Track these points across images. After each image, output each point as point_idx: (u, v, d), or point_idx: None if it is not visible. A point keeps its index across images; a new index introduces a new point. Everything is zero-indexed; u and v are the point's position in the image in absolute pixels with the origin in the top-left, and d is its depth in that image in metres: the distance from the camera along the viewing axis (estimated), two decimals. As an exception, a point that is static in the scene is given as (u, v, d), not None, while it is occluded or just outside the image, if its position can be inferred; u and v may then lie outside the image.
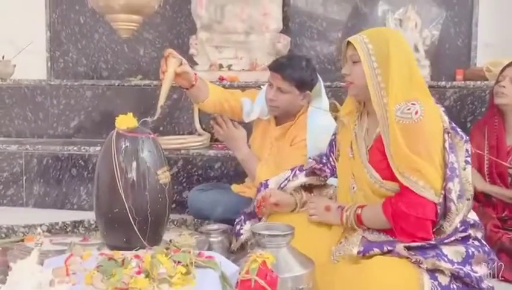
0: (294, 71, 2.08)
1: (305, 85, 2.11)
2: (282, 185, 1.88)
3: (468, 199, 1.57)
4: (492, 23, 3.28)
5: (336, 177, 1.87)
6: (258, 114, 2.20)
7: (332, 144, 1.89)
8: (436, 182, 1.52)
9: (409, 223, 1.52)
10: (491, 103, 2.17)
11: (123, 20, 2.15)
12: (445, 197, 1.53)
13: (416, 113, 1.52)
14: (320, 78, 2.18)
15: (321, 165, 1.87)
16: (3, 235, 2.09)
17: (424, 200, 1.50)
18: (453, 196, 1.53)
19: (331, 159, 1.87)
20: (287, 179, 1.89)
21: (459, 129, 1.63)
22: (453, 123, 1.65)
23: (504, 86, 2.06)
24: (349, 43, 1.65)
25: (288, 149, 2.13)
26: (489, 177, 2.08)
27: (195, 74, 2.09)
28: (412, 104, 1.54)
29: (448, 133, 1.58)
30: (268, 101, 2.12)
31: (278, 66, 2.11)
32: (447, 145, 1.56)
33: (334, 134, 1.89)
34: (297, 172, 1.89)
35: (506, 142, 2.09)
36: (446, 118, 1.62)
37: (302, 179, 1.87)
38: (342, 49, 1.71)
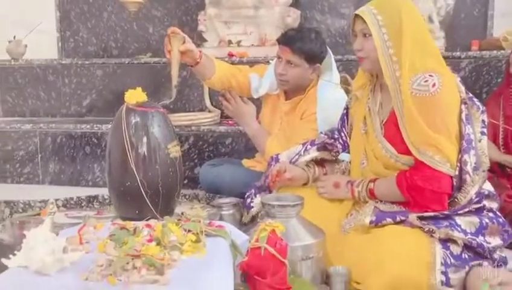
0: (304, 44, 2.06)
1: (315, 58, 2.09)
2: (293, 160, 1.89)
3: (483, 171, 1.57)
4: (508, -9, 3.21)
5: (348, 152, 1.87)
6: (267, 89, 2.20)
7: (343, 119, 1.88)
8: (452, 155, 1.51)
9: (424, 197, 1.53)
10: (507, 72, 2.14)
11: (130, -5, 2.16)
12: (460, 169, 1.53)
13: (434, 85, 1.51)
14: (330, 52, 2.17)
15: (332, 140, 1.86)
16: (20, 210, 2.15)
17: (440, 173, 1.50)
18: (469, 168, 1.53)
19: (342, 134, 1.87)
20: (298, 153, 1.90)
21: (475, 99, 1.62)
22: (470, 93, 1.64)
23: None
24: (357, 16, 1.62)
25: (298, 123, 2.13)
26: (505, 148, 2.08)
27: (200, 51, 2.09)
28: (430, 75, 1.53)
29: (465, 103, 1.57)
30: (278, 75, 2.11)
31: (287, 39, 2.09)
32: (463, 116, 1.55)
33: (346, 108, 1.88)
34: (309, 147, 1.89)
35: None
36: (463, 88, 1.60)
37: (313, 153, 1.86)
38: (351, 22, 1.67)
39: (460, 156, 1.52)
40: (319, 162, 1.89)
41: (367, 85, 1.73)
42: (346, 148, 1.86)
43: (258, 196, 1.93)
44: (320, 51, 2.10)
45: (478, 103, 1.61)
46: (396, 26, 1.55)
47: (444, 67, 1.60)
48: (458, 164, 1.52)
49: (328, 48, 2.16)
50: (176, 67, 1.97)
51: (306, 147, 1.89)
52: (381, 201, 1.63)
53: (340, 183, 1.73)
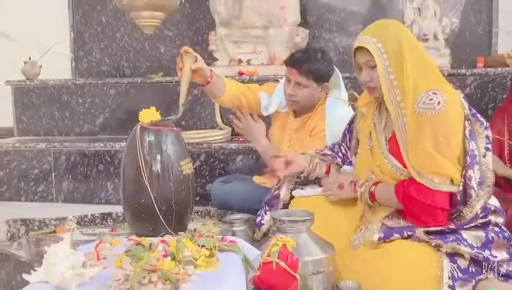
0: (311, 65, 2.08)
1: (322, 77, 2.11)
2: None
3: (488, 186, 1.57)
4: (512, 10, 3.24)
5: (348, 164, 1.89)
6: (277, 107, 2.23)
7: (345, 133, 1.91)
8: (454, 174, 1.52)
9: (417, 208, 1.54)
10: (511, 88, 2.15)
11: (146, 17, 2.20)
12: (465, 184, 1.54)
13: (439, 103, 1.51)
14: (337, 70, 2.19)
15: (333, 153, 1.90)
16: (36, 228, 2.17)
17: (436, 190, 1.52)
18: (473, 183, 1.54)
19: (342, 148, 1.90)
20: None
21: (479, 115, 1.63)
22: (473, 109, 1.65)
23: None
24: (358, 47, 1.62)
25: (308, 140, 2.15)
26: (510, 162, 2.07)
27: (211, 71, 2.11)
28: (434, 93, 1.53)
29: (468, 120, 1.58)
30: (288, 96, 2.14)
31: (294, 61, 2.11)
32: (467, 132, 1.56)
33: (349, 123, 1.90)
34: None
35: None
36: (466, 105, 1.61)
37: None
38: (352, 54, 1.67)
39: (464, 171, 1.54)
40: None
41: (373, 102, 1.75)
42: (345, 161, 1.89)
43: (268, 213, 1.95)
44: (327, 70, 2.12)
45: (482, 119, 1.62)
46: (396, 52, 1.57)
47: (446, 85, 1.62)
48: (462, 180, 1.53)
49: (335, 66, 2.19)
50: (185, 85, 1.99)
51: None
52: (388, 216, 1.63)
53: (343, 184, 1.74)
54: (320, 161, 1.90)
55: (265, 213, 1.96)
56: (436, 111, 1.52)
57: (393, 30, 1.63)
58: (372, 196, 1.65)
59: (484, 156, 1.59)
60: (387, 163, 1.64)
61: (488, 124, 1.62)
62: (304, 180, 1.93)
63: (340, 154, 1.90)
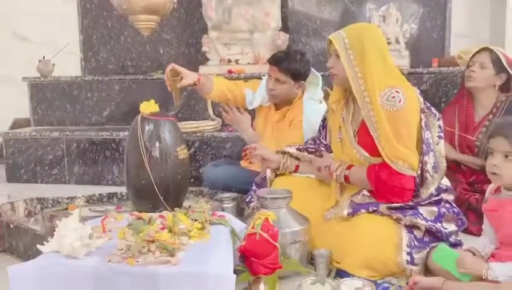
0: (290, 64, 2.08)
1: (299, 76, 2.11)
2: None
3: (441, 170, 1.59)
4: (463, 17, 3.25)
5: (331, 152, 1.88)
6: (260, 102, 2.22)
7: (320, 130, 1.88)
8: (415, 162, 1.54)
9: (387, 190, 1.56)
10: (462, 85, 2.14)
11: (143, 20, 2.18)
12: (422, 169, 1.55)
13: (400, 101, 1.52)
14: (316, 72, 2.18)
15: (316, 145, 1.86)
16: (50, 206, 2.15)
17: (404, 174, 1.53)
18: (429, 167, 1.56)
19: (322, 140, 1.86)
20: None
21: (432, 108, 1.64)
22: (427, 103, 1.66)
23: (473, 71, 2.02)
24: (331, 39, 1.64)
25: (287, 129, 2.15)
26: (460, 149, 2.07)
27: (199, 76, 2.15)
28: (396, 91, 1.54)
29: (424, 112, 1.59)
30: (268, 90, 2.14)
31: (275, 60, 2.13)
32: (423, 123, 1.57)
33: (323, 120, 1.88)
34: (290, 147, 1.88)
35: (475, 119, 2.07)
36: (421, 99, 1.63)
37: (291, 150, 1.86)
38: (326, 45, 1.70)
39: (421, 157, 1.55)
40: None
41: (341, 99, 1.74)
42: (328, 149, 1.88)
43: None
44: (304, 70, 2.11)
45: (435, 111, 1.63)
46: (360, 49, 1.57)
47: (405, 82, 1.62)
48: (420, 165, 1.55)
49: (313, 69, 2.18)
50: (176, 95, 2.12)
51: (289, 146, 1.89)
52: (355, 193, 1.64)
53: (321, 168, 1.73)
54: (292, 158, 1.86)
55: (254, 193, 1.95)
56: (397, 108, 1.52)
57: (362, 30, 1.65)
58: (346, 178, 1.65)
59: (437, 143, 1.61)
60: (355, 153, 1.64)
61: (440, 115, 1.64)
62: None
63: (322, 145, 1.86)
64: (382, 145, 1.54)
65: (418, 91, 1.65)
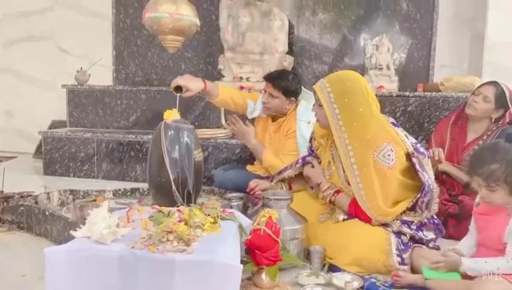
0: (282, 81, 2.10)
1: (290, 93, 2.11)
2: (281, 170, 1.87)
3: (433, 209, 1.54)
4: (446, 49, 3.24)
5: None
6: (259, 113, 2.23)
7: (309, 150, 1.81)
8: (384, 217, 1.49)
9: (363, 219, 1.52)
10: (462, 108, 2.02)
11: (170, 40, 2.19)
12: (415, 204, 1.51)
13: (393, 160, 1.46)
14: (306, 90, 2.16)
15: (313, 155, 1.79)
16: (80, 197, 2.16)
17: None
18: (423, 206, 1.52)
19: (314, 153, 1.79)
20: (290, 165, 1.85)
21: (419, 147, 1.54)
22: (412, 138, 1.56)
23: (476, 102, 1.91)
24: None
25: (283, 138, 2.15)
26: (449, 161, 1.98)
27: (205, 84, 2.14)
28: (391, 150, 1.45)
29: (413, 156, 1.50)
30: (262, 103, 2.16)
31: (269, 77, 2.15)
32: (418, 167, 1.49)
33: (310, 141, 1.78)
34: (297, 163, 1.82)
35: (466, 140, 1.98)
36: (408, 142, 1.53)
37: (295, 171, 1.81)
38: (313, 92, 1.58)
39: (419, 195, 1.48)
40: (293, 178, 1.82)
41: (330, 135, 1.59)
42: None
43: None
44: (294, 88, 2.11)
45: (422, 150, 1.54)
46: (345, 104, 1.46)
47: (394, 136, 1.50)
48: (414, 201, 1.49)
49: (305, 88, 2.17)
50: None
51: (297, 162, 1.83)
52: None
53: (311, 179, 1.66)
54: (283, 182, 1.82)
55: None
56: (390, 167, 1.46)
57: (349, 85, 1.49)
58: (331, 201, 1.62)
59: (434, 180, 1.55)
60: (344, 188, 1.60)
61: (427, 153, 1.56)
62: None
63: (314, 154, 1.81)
64: (367, 203, 1.47)
65: (405, 133, 1.56)
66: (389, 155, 1.46)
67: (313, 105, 1.61)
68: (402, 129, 1.60)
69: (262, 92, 2.19)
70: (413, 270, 1.43)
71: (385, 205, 1.47)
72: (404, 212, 1.54)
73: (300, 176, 1.79)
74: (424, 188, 1.48)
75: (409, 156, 1.51)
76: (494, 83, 1.95)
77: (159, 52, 3.61)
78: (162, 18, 2.16)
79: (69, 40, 3.79)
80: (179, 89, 2.11)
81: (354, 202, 1.54)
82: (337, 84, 1.50)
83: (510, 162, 1.24)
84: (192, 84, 2.11)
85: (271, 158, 2.09)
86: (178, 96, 2.05)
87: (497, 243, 1.25)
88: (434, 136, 2.08)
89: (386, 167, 1.46)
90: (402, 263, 1.45)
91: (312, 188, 1.71)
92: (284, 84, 2.09)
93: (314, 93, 1.57)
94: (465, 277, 1.26)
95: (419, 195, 1.49)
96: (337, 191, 1.59)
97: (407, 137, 1.57)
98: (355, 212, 1.53)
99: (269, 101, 2.12)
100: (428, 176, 1.51)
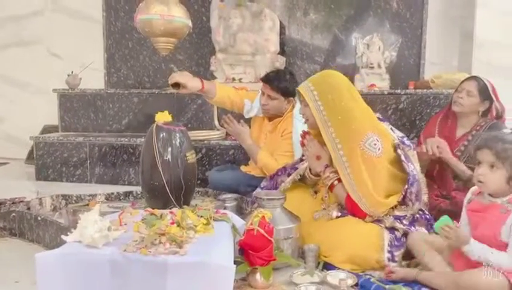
0: (280, 82, 2.09)
1: (288, 93, 2.11)
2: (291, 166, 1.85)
3: (422, 200, 1.56)
4: (436, 47, 3.26)
5: None
6: (256, 113, 2.23)
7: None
8: (380, 213, 1.50)
9: (357, 215, 1.54)
10: (449, 106, 2.02)
11: (162, 42, 2.18)
12: (405, 196, 1.52)
13: (379, 149, 1.48)
14: None
15: None
16: (73, 202, 2.14)
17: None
18: (413, 197, 1.53)
19: None
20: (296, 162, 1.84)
21: (405, 140, 1.58)
22: (398, 132, 1.59)
23: (461, 98, 1.91)
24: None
25: (279, 139, 2.15)
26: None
27: (202, 85, 2.13)
28: (377, 139, 1.48)
29: (400, 147, 1.53)
30: (262, 105, 2.15)
31: (267, 79, 2.13)
32: (403, 157, 1.51)
33: None
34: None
35: (456, 136, 1.98)
36: (394, 134, 1.56)
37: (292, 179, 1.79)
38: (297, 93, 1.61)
39: (406, 188, 1.50)
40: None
41: (319, 136, 1.61)
42: None
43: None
44: (292, 88, 2.07)
45: (408, 143, 1.58)
46: (329, 99, 1.50)
47: (378, 128, 1.54)
48: (403, 193, 1.50)
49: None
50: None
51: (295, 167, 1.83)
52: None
53: (321, 158, 1.62)
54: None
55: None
56: (376, 155, 1.48)
57: (330, 81, 1.55)
58: (331, 186, 1.62)
59: (422, 172, 1.57)
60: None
61: (413, 145, 1.58)
62: None
63: None
64: (358, 191, 1.48)
65: (390, 127, 1.59)
66: (375, 144, 1.48)
67: (300, 108, 1.63)
68: (388, 124, 1.64)
69: (260, 93, 2.18)
70: (413, 256, 1.43)
71: (377, 194, 1.48)
72: (395, 207, 1.55)
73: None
74: (409, 179, 1.50)
75: (395, 148, 1.53)
76: (474, 78, 1.98)
77: (151, 54, 3.58)
78: (153, 20, 2.15)
79: (60, 44, 3.75)
80: (176, 85, 2.09)
81: (349, 197, 1.55)
82: (319, 82, 1.56)
83: None
84: (190, 83, 2.09)
85: (266, 158, 2.09)
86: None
87: (493, 240, 1.26)
88: (423, 135, 2.09)
89: (374, 156, 1.48)
90: (392, 259, 1.46)
91: (317, 158, 1.63)
92: (282, 84, 2.08)
93: (299, 94, 1.60)
94: None
95: (406, 186, 1.51)
96: (340, 179, 1.59)
97: (392, 130, 1.60)
98: (351, 206, 1.54)
99: (268, 102, 2.12)
100: (413, 167, 1.53)
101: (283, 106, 2.13)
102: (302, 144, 1.67)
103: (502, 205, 1.27)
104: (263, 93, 2.12)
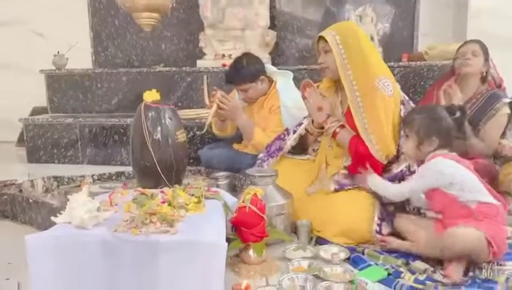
0: (241, 75, 2.07)
1: (254, 76, 2.10)
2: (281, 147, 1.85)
3: None
4: (429, 18, 3.22)
5: None
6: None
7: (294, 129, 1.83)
8: (390, 152, 1.53)
9: (358, 161, 1.55)
10: (449, 74, 2.03)
11: (145, 17, 2.12)
12: (398, 150, 1.54)
13: (391, 91, 1.54)
14: (271, 67, 2.19)
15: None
16: (65, 183, 2.13)
17: (375, 159, 1.52)
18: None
19: None
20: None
21: (410, 101, 1.66)
22: (405, 95, 1.66)
23: (469, 58, 1.93)
24: (320, 37, 1.63)
25: (268, 116, 2.14)
26: None
27: (244, 121, 2.08)
28: (389, 83, 1.55)
29: (403, 104, 1.60)
30: (242, 99, 2.17)
31: (230, 80, 2.14)
32: (402, 113, 1.57)
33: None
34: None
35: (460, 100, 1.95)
36: (401, 92, 1.65)
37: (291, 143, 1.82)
38: (315, 42, 1.67)
39: (399, 140, 1.54)
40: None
41: (332, 87, 1.73)
42: None
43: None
44: (255, 69, 2.08)
45: (412, 104, 1.66)
46: (350, 44, 1.57)
47: (391, 76, 1.62)
48: (395, 152, 1.54)
49: (260, 59, 2.16)
50: (211, 115, 2.00)
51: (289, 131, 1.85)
52: (336, 173, 1.62)
53: (323, 109, 1.66)
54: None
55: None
56: (389, 95, 1.54)
57: (350, 28, 1.66)
58: (334, 134, 1.63)
59: None
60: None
61: (414, 106, 1.62)
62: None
63: None
64: (368, 129, 1.52)
65: (399, 86, 1.65)
66: (388, 85, 1.55)
67: (319, 57, 1.66)
68: None
69: (235, 91, 2.20)
70: (401, 236, 1.46)
71: (386, 129, 1.52)
72: (390, 169, 1.55)
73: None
74: (402, 133, 1.53)
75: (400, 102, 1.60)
76: (472, 40, 2.02)
77: (138, 32, 3.49)
78: (134, -6, 2.08)
79: (44, 22, 3.64)
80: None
81: (355, 137, 1.57)
82: (340, 28, 1.64)
83: (428, 119, 1.35)
84: (236, 110, 2.02)
85: (261, 135, 2.07)
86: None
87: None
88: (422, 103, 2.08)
89: (386, 95, 1.54)
90: (379, 232, 1.47)
91: (319, 110, 1.66)
92: (244, 74, 2.07)
93: (317, 42, 1.64)
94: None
95: (400, 139, 1.55)
96: (342, 126, 1.62)
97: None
98: (355, 147, 1.56)
99: (246, 95, 2.15)
100: None
101: (260, 88, 2.14)
102: (304, 97, 1.71)
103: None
104: (237, 90, 2.13)
